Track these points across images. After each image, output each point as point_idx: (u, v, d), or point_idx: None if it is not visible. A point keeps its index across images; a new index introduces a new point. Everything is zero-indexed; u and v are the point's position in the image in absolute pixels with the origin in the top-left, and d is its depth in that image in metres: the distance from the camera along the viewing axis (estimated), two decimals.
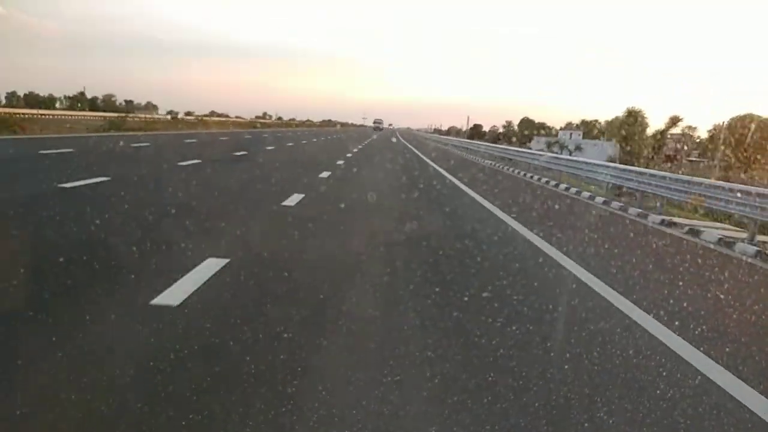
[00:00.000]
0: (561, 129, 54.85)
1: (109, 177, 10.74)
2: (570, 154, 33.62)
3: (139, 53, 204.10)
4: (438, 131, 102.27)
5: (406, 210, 10.29)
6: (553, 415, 3.01)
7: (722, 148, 35.73)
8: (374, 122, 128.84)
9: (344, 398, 3.02)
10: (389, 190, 13.69)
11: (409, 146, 45.96)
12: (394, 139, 62.36)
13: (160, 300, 4.16)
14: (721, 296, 5.85)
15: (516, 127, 63.45)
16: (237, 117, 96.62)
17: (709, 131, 45.25)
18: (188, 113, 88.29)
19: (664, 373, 3.68)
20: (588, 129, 54.90)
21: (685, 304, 5.26)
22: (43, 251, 5.44)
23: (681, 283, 6.24)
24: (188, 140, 27.96)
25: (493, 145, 39.56)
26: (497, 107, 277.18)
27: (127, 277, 4.81)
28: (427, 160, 27.93)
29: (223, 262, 5.27)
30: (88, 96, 76.64)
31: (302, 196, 10.48)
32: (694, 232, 10.17)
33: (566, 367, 3.64)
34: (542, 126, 57.80)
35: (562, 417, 3.01)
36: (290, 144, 33.50)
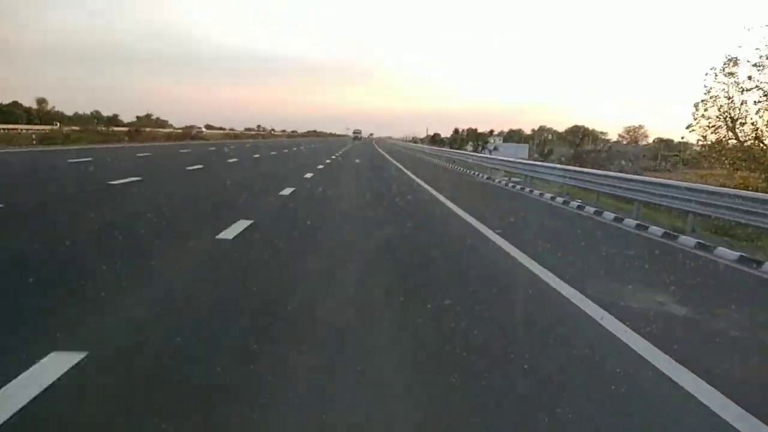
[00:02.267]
0: (493, 135, 68.74)
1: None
2: (489, 153, 46.32)
3: (124, 66, 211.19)
4: (415, 140, 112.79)
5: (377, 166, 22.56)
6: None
7: None
8: (353, 132, 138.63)
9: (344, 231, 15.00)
10: (364, 165, 25.97)
11: (378, 151, 58.13)
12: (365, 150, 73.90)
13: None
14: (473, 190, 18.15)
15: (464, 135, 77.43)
16: (231, 129, 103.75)
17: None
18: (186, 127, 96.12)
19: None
20: (511, 135, 69.64)
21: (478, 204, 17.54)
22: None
23: (491, 199, 18.46)
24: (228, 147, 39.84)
25: (437, 148, 53.55)
26: (456, 116, 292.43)
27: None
28: (396, 163, 40.17)
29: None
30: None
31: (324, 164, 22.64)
32: (508, 182, 22.54)
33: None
34: (487, 134, 71.45)
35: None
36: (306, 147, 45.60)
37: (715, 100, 19.51)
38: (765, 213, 9.10)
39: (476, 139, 66.46)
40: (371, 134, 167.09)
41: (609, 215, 12.37)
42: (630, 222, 11.57)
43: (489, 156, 35.54)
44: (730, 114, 19.37)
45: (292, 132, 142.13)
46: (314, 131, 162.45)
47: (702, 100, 19.76)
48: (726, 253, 8.59)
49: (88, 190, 12.38)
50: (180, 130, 59.71)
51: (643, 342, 4.39)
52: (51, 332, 3.85)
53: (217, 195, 12.89)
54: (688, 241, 9.63)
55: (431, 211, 12.49)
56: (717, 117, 19.66)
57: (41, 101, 71.57)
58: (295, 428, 2.99)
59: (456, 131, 75.10)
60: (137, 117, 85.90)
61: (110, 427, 2.87)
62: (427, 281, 6.12)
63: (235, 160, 27.02)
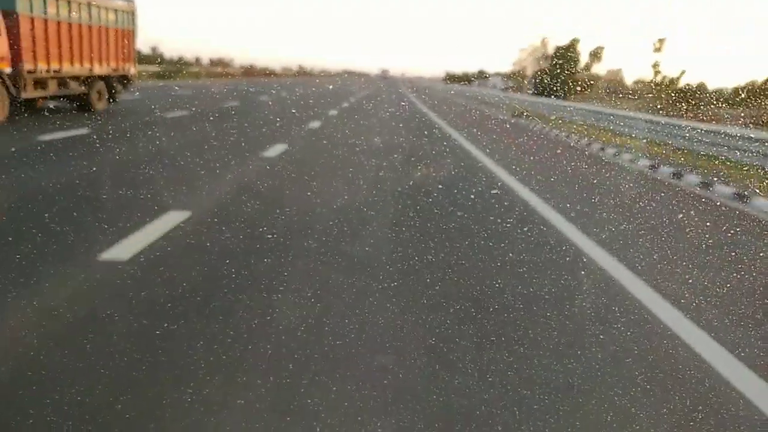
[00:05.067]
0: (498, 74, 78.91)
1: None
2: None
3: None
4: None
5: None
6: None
7: None
8: (381, 71, 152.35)
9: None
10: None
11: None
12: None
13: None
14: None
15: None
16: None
17: None
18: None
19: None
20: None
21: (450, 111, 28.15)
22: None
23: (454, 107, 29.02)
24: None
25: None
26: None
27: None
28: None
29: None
30: None
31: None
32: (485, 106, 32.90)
33: None
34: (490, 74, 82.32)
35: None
36: None
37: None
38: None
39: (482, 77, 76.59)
40: (403, 73, 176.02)
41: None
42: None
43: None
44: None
45: (320, 72, 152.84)
46: (347, 70, 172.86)
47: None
48: None
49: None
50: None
51: None
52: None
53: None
54: None
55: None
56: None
57: (154, 48, 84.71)
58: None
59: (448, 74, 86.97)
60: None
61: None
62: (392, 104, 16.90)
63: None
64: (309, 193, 6.80)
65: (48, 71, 13.17)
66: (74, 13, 14.06)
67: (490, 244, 5.11)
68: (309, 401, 2.48)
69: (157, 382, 2.56)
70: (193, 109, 17.44)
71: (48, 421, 2.26)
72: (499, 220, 6.06)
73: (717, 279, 4.60)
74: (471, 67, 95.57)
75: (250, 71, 57.84)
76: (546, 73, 35.62)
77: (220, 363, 2.73)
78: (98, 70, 15.49)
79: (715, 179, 9.09)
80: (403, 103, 28.87)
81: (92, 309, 3.32)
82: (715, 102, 23.64)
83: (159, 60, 67.08)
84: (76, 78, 14.48)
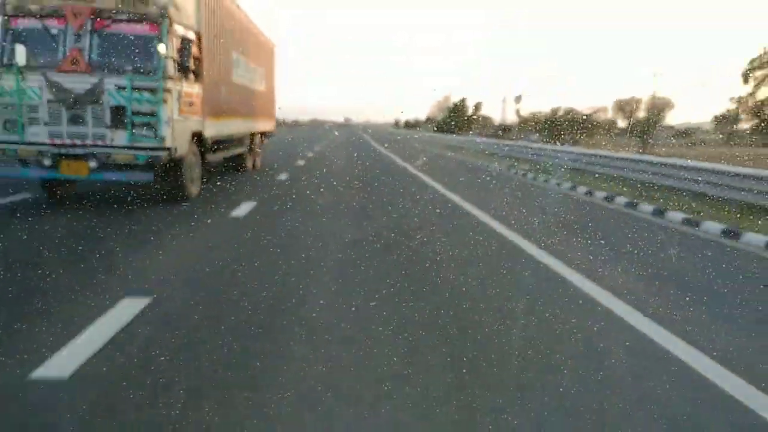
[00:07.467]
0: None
1: None
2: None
3: None
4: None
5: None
6: None
7: None
8: (345, 119, 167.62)
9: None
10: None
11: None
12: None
13: None
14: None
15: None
16: None
17: None
18: None
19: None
20: None
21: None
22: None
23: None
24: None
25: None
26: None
27: None
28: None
29: None
30: None
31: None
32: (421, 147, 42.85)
33: None
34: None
35: None
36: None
37: None
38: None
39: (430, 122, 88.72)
40: (367, 120, 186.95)
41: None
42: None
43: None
44: None
45: (292, 121, 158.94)
46: (315, 119, 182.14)
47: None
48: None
49: None
50: None
51: None
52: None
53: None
54: None
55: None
56: None
57: None
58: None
59: (396, 121, 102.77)
60: None
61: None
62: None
63: None
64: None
65: None
66: None
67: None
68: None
69: (281, 249, 5.71)
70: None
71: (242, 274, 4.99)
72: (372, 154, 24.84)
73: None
74: (420, 115, 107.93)
75: None
76: (444, 120, 60.72)
77: (320, 210, 8.36)
78: None
79: (472, 158, 24.85)
80: (356, 134, 55.10)
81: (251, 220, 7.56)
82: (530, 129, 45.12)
83: None
84: None
